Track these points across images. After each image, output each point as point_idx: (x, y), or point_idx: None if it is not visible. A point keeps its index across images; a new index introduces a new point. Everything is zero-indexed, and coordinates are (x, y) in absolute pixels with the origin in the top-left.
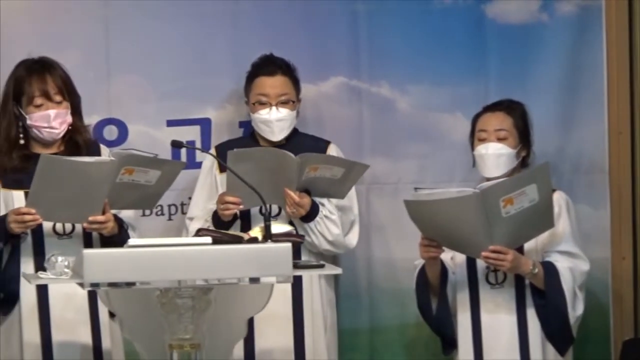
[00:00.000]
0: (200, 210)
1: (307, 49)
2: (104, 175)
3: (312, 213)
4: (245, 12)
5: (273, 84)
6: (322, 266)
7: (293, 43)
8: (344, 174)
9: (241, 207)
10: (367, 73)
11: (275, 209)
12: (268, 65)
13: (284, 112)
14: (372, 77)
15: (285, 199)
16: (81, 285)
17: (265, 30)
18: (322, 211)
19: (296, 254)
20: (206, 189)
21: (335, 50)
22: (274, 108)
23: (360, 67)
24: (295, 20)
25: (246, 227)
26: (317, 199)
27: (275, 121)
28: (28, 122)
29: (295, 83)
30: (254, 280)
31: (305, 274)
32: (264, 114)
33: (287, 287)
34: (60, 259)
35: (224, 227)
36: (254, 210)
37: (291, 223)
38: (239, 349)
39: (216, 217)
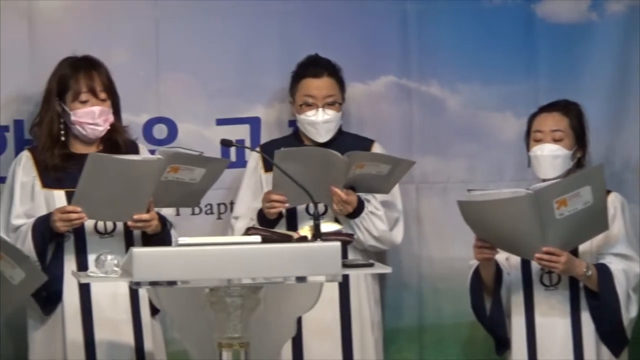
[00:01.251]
0: (246, 210)
1: (356, 48)
2: (150, 173)
3: (358, 209)
4: (294, 10)
5: (319, 85)
6: (371, 265)
7: (343, 42)
8: (390, 170)
9: (287, 205)
10: (416, 72)
11: (321, 207)
12: (314, 66)
13: (330, 114)
14: (422, 76)
15: (332, 196)
16: (134, 284)
17: (314, 29)
18: (368, 207)
19: (343, 252)
20: (251, 188)
21: (385, 49)
22: (320, 110)
23: (410, 66)
24: (345, 19)
25: (293, 226)
26: (362, 195)
27: (322, 123)
28: (72, 118)
29: (341, 84)
30: (303, 279)
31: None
32: (310, 115)
33: (334, 286)
34: (109, 257)
35: (269, 226)
36: (301, 209)
37: (337, 221)
38: (287, 352)
39: (261, 216)
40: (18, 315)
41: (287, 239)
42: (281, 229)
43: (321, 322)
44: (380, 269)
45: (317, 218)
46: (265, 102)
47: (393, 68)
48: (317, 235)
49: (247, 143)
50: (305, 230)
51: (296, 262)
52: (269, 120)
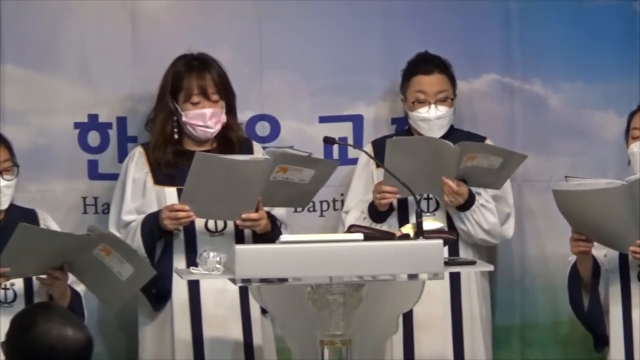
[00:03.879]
0: (356, 203)
1: (459, 46)
2: (258, 173)
3: (469, 202)
4: (397, 9)
5: (431, 82)
6: (473, 263)
7: (445, 40)
8: (502, 164)
9: (398, 196)
10: (519, 70)
11: (433, 204)
12: (425, 63)
13: (442, 110)
14: (525, 74)
15: (443, 187)
16: (233, 281)
17: (417, 28)
18: (479, 200)
19: (454, 248)
20: (362, 183)
21: (487, 48)
22: (432, 106)
23: (512, 64)
24: (447, 17)
25: (404, 221)
26: (473, 189)
27: (434, 119)
28: (183, 119)
29: (452, 80)
30: (406, 276)
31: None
32: (423, 112)
33: (445, 282)
34: (212, 254)
35: (380, 218)
36: (412, 204)
37: (449, 215)
38: (398, 348)
39: (372, 208)
40: (129, 311)
41: (390, 236)
42: (393, 222)
43: (432, 317)
44: (483, 267)
45: (419, 216)
46: (368, 100)
47: (496, 66)
48: (420, 232)
49: (350, 141)
50: (407, 228)
51: (398, 259)
52: (372, 118)
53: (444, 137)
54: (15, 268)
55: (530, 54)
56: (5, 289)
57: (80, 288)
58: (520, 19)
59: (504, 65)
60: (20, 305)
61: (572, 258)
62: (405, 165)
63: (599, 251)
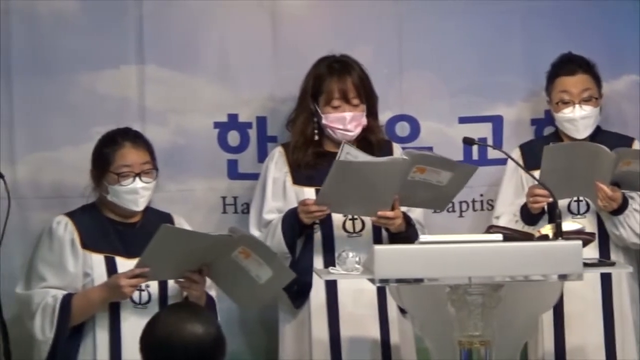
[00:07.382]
0: (507, 207)
1: (599, 47)
2: (395, 173)
3: (621, 206)
4: (537, 10)
5: (574, 82)
6: (612, 264)
7: (585, 41)
8: None
9: (549, 199)
10: None
11: (584, 206)
12: (568, 64)
13: (587, 110)
14: None
15: (598, 192)
16: (372, 281)
17: (556, 28)
18: (632, 204)
19: (605, 250)
20: (512, 187)
21: (628, 48)
22: (577, 106)
23: None
24: (587, 18)
25: (553, 221)
26: (626, 193)
27: (579, 119)
28: (323, 121)
29: (597, 79)
30: (544, 277)
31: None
32: (567, 112)
33: (596, 284)
34: (351, 254)
35: (533, 221)
36: (562, 206)
37: (599, 218)
38: (549, 347)
39: (525, 211)
40: (270, 310)
41: (529, 237)
42: (544, 224)
43: (583, 318)
44: (621, 268)
45: (558, 217)
46: (507, 101)
47: (636, 67)
48: (559, 233)
49: (489, 141)
50: (547, 229)
51: (537, 260)
52: (512, 118)
53: (591, 137)
54: (155, 269)
55: None
56: (140, 290)
57: (214, 293)
58: None
59: None
60: (153, 308)
61: None
62: (560, 170)
63: None
